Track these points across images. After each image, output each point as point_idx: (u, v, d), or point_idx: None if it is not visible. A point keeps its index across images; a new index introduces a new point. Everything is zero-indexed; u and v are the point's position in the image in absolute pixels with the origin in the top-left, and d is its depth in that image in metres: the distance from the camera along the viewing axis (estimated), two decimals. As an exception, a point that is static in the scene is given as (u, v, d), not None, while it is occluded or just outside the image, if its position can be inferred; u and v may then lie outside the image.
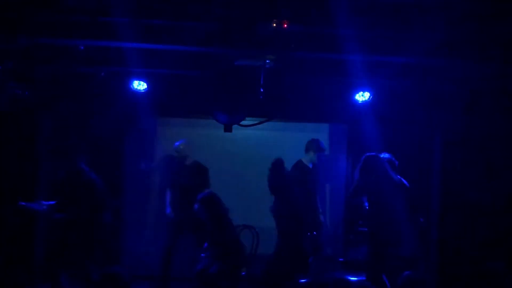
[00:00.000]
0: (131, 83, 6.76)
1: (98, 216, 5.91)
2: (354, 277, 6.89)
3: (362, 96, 6.85)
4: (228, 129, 6.87)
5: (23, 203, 5.72)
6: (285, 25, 5.06)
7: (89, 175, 5.84)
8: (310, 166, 7.27)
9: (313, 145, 7.23)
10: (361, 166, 6.08)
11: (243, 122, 6.93)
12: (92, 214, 5.81)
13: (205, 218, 6.16)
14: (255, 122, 7.17)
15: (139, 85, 6.77)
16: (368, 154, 6.15)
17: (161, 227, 7.77)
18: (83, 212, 5.74)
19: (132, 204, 8.00)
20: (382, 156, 6.31)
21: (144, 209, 7.80)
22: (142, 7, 5.02)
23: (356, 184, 6.10)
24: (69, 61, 6.24)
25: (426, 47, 5.28)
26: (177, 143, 7.03)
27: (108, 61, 6.24)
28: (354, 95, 6.87)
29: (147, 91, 6.80)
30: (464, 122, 7.09)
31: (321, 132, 8.27)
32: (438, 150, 7.58)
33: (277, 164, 6.21)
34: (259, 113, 7.00)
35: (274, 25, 5.06)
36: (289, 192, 6.18)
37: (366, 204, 6.24)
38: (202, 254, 6.29)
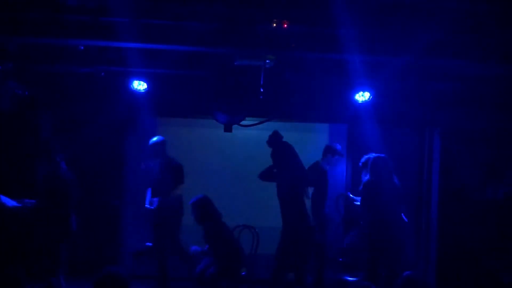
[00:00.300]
0: (131, 83, 6.76)
1: (67, 221, 5.71)
2: (354, 277, 6.91)
3: (362, 96, 6.84)
4: (228, 129, 6.86)
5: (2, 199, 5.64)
6: (285, 25, 5.07)
7: (65, 175, 5.69)
8: (326, 168, 7.27)
9: (330, 149, 7.24)
10: (371, 167, 6.10)
11: (243, 122, 6.93)
12: (61, 217, 5.64)
13: (198, 222, 6.17)
14: (255, 122, 7.17)
15: (139, 85, 6.77)
16: (376, 155, 6.16)
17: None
18: (52, 213, 5.60)
19: (132, 203, 8.00)
20: (369, 155, 6.41)
21: (144, 209, 7.78)
22: (142, 7, 5.02)
23: (369, 185, 6.11)
24: (69, 61, 6.25)
25: (425, 47, 5.28)
26: (151, 141, 6.93)
27: (108, 61, 6.25)
28: (354, 95, 6.87)
29: (147, 91, 6.80)
30: (464, 122, 7.09)
31: (321, 132, 8.27)
32: (438, 149, 7.58)
33: (275, 135, 6.19)
34: (259, 113, 6.99)
35: (274, 25, 5.07)
36: (289, 160, 6.11)
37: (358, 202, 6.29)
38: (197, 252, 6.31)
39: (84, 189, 7.53)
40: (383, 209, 5.99)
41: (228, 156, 8.13)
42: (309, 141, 7.72)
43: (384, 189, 6.01)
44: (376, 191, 6.03)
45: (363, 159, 6.56)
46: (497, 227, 7.19)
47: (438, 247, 7.51)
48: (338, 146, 7.34)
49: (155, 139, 6.93)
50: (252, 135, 7.68)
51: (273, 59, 5.77)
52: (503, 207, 7.26)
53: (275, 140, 6.19)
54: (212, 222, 6.13)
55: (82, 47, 5.90)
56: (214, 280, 6.01)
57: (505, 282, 6.90)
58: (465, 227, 7.29)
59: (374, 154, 6.32)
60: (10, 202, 5.70)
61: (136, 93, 6.82)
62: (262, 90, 6.32)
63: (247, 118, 6.94)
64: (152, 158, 6.98)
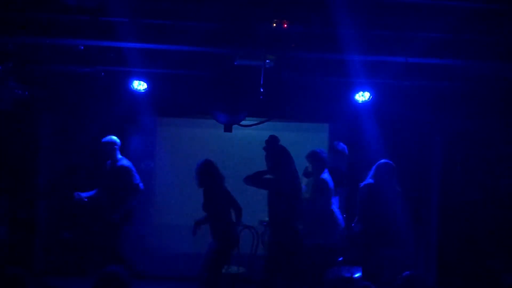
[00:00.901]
0: (131, 83, 6.76)
1: None
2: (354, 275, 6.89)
3: (362, 96, 6.84)
4: (228, 129, 6.87)
5: None
6: (285, 25, 5.07)
7: None
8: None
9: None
10: (375, 171, 6.09)
11: (243, 122, 6.93)
12: None
13: (199, 185, 6.20)
14: (255, 122, 7.17)
15: (139, 85, 6.77)
16: (382, 161, 6.15)
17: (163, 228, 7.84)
18: None
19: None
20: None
21: (144, 209, 7.79)
22: (142, 7, 5.02)
23: (370, 188, 6.10)
24: (69, 61, 6.25)
25: (426, 47, 5.28)
26: (102, 140, 6.67)
27: (108, 61, 6.25)
28: (354, 95, 6.87)
29: (147, 91, 6.80)
30: (464, 122, 7.09)
31: (321, 132, 8.26)
32: (438, 150, 7.58)
33: (272, 139, 6.11)
34: (259, 113, 7.00)
35: (274, 25, 5.07)
36: (284, 165, 5.97)
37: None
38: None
39: (83, 189, 7.54)
40: (382, 212, 6.01)
41: (228, 156, 8.12)
42: (309, 141, 7.70)
43: (385, 193, 6.03)
44: (377, 194, 6.05)
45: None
46: (498, 227, 7.18)
47: (438, 247, 7.51)
48: (340, 146, 7.25)
49: (107, 139, 6.67)
50: (252, 135, 7.68)
51: (273, 59, 5.77)
52: (503, 207, 7.25)
53: (273, 145, 6.02)
54: (212, 185, 6.17)
55: (82, 47, 5.89)
56: (213, 279, 6.02)
57: (506, 283, 6.90)
58: (465, 227, 7.29)
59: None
60: None
61: (136, 93, 6.82)
62: (262, 90, 6.32)
63: (247, 118, 6.94)
64: (104, 158, 6.77)
